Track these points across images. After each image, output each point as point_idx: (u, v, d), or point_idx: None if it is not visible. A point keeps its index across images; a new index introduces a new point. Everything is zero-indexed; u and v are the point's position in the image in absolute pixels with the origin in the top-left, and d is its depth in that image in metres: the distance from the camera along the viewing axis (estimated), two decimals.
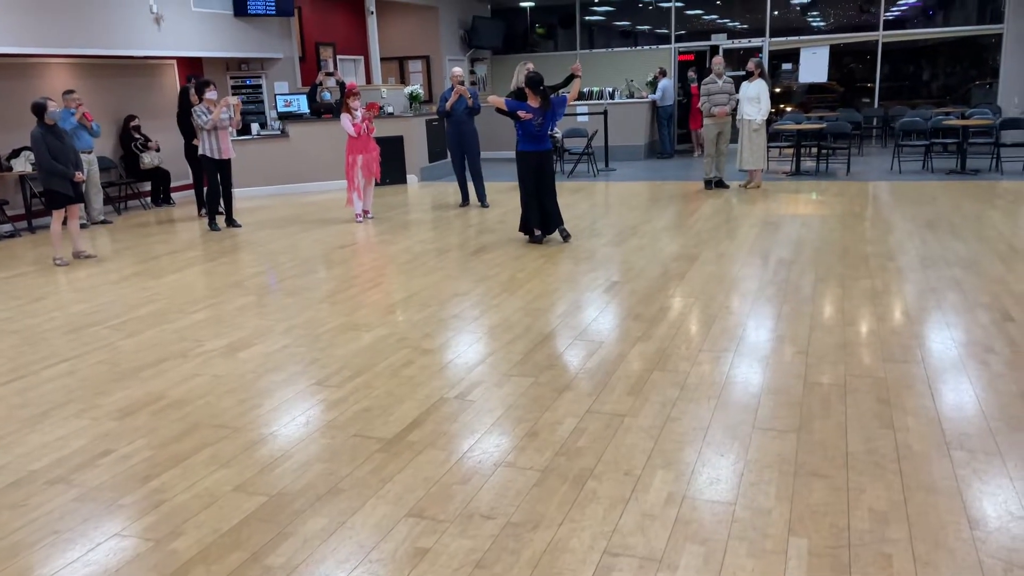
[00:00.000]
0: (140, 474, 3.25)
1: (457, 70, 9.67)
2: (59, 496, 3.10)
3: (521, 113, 7.12)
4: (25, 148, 9.51)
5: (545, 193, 7.37)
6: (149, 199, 11.24)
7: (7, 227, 9.33)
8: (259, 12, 12.03)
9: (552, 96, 7.29)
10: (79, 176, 7.35)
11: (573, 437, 3.42)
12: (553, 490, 2.98)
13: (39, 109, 7.14)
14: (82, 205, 8.14)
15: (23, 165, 9.39)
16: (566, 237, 7.49)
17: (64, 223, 7.52)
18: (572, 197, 10.27)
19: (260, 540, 2.72)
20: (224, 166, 9.00)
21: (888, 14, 15.21)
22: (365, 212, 9.37)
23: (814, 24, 16.24)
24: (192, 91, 9.40)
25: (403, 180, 12.50)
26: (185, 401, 4.02)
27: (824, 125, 11.98)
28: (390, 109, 12.72)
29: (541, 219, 7.46)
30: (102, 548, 2.72)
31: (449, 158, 10.54)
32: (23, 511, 2.99)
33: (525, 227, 7.55)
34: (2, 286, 6.74)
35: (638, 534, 2.67)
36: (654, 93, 14.55)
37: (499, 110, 7.31)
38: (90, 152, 9.47)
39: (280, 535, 2.75)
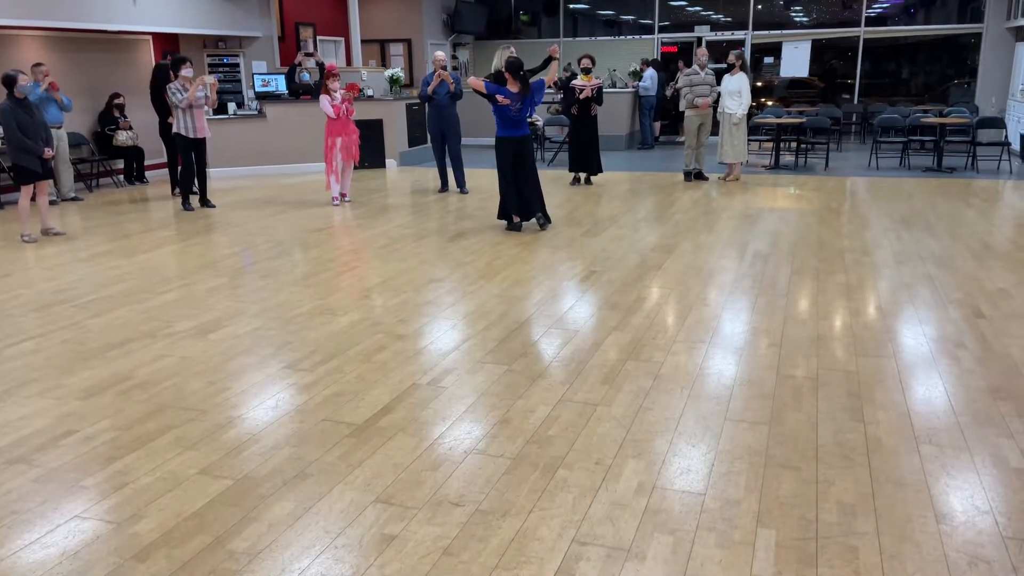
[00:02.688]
0: (103, 455, 3.18)
1: (439, 54, 9.58)
2: (19, 476, 3.03)
3: (500, 97, 7.06)
4: None
5: (525, 179, 7.33)
6: (122, 177, 11.04)
7: None
8: None
9: (531, 81, 7.24)
10: (48, 152, 7.18)
11: (545, 425, 3.40)
12: (523, 478, 2.96)
13: (9, 82, 6.96)
14: (52, 181, 7.96)
15: None
16: (543, 224, 7.45)
17: (33, 199, 7.36)
18: (551, 186, 10.23)
19: (224, 524, 2.68)
20: (199, 145, 8.85)
21: (870, 11, 15.28)
22: (343, 195, 9.28)
23: (797, 19, 16.28)
24: (168, 68, 9.23)
25: (382, 164, 12.39)
26: (152, 382, 3.95)
27: (804, 120, 12.03)
28: (370, 92, 12.59)
29: (520, 206, 7.41)
30: (61, 530, 2.66)
31: (429, 143, 10.45)
32: None
33: (504, 214, 7.51)
34: None
35: (607, 523, 2.66)
36: (640, 82, 14.43)
37: (478, 92, 7.24)
38: (60, 127, 9.26)
39: (245, 519, 2.70)
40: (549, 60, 7.82)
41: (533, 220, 7.51)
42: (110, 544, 2.58)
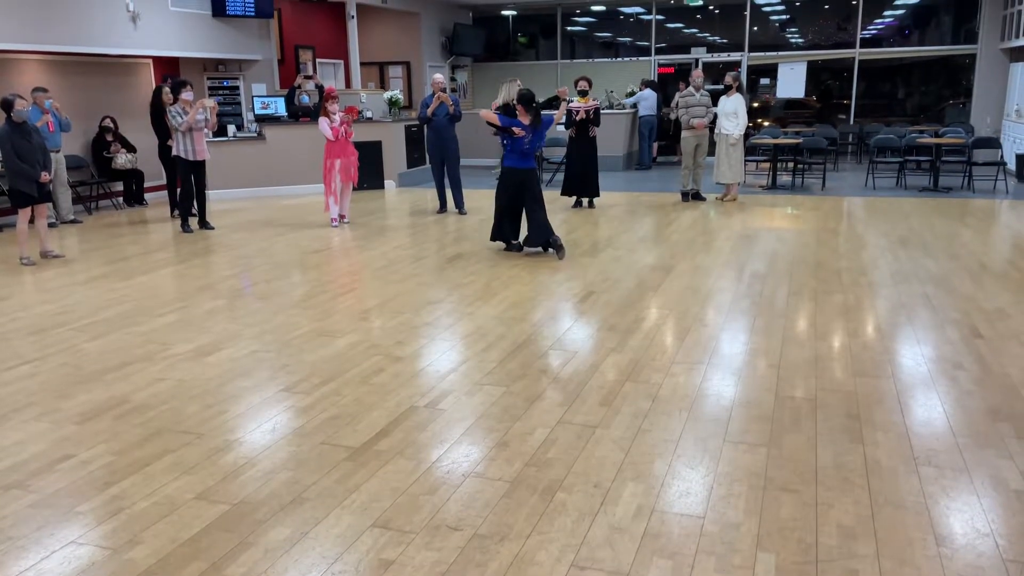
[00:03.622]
0: (100, 480, 3.17)
1: (439, 77, 9.64)
2: (14, 502, 3.01)
3: (516, 130, 7.05)
4: None
5: (533, 208, 7.21)
6: (121, 199, 11.07)
7: None
8: (238, 13, 11.93)
9: (542, 113, 7.27)
10: (45, 176, 7.19)
11: (544, 448, 3.39)
12: (522, 501, 2.95)
13: (6, 106, 6.99)
14: (51, 204, 7.98)
15: None
16: (560, 250, 7.14)
17: (32, 221, 7.37)
18: (549, 207, 10.24)
19: (221, 550, 2.66)
20: (198, 167, 8.88)
21: (865, 32, 15.42)
22: (341, 217, 9.30)
23: (792, 40, 16.42)
24: (166, 91, 9.29)
25: (381, 185, 12.43)
26: (149, 406, 3.93)
27: (800, 140, 12.09)
28: (369, 114, 12.66)
29: (514, 230, 7.44)
30: (57, 556, 2.64)
31: (428, 164, 10.49)
32: None
33: (497, 235, 7.52)
34: None
35: (606, 547, 2.65)
36: (638, 101, 14.49)
37: (492, 125, 7.19)
38: (58, 151, 9.30)
39: (241, 544, 2.69)
40: (557, 100, 7.87)
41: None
42: (106, 570, 2.56)
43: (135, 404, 3.96)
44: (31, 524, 2.85)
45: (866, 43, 15.45)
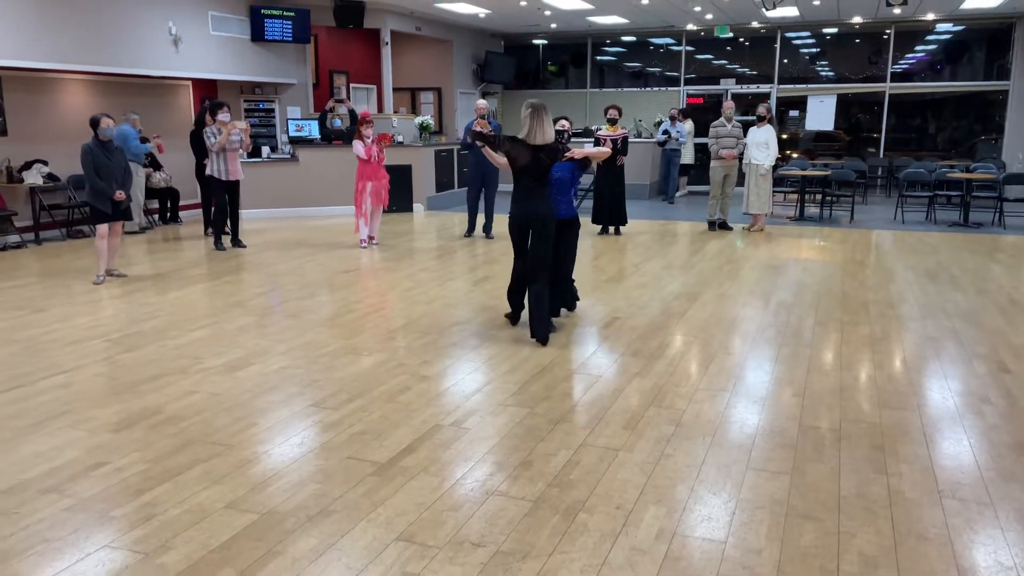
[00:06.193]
0: (133, 487, 3.25)
1: (482, 103, 9.76)
2: (51, 505, 3.10)
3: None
4: (37, 161, 9.63)
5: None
6: (156, 216, 11.32)
7: (15, 238, 9.40)
8: (276, 38, 12.25)
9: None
10: (119, 195, 7.24)
11: (566, 469, 3.42)
12: (544, 520, 2.98)
13: (93, 123, 7.15)
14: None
15: (35, 177, 9.49)
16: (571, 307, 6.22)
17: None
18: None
19: (249, 558, 2.72)
20: (232, 187, 9.08)
21: (896, 67, 15.42)
22: (371, 238, 9.44)
23: (822, 73, 16.46)
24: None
25: (409, 208, 12.60)
26: (181, 417, 4.03)
27: (829, 172, 12.09)
28: (400, 138, 12.86)
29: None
30: (91, 559, 2.72)
31: (464, 186, 10.58)
32: (14, 519, 2.99)
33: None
34: (5, 296, 6.78)
35: (627, 568, 2.67)
36: (660, 134, 14.29)
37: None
38: (143, 164, 9.99)
39: (269, 553, 2.75)
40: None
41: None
42: (138, 574, 2.63)
43: (168, 415, 4.06)
44: (67, 527, 2.94)
45: (897, 77, 15.44)
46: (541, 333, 5.30)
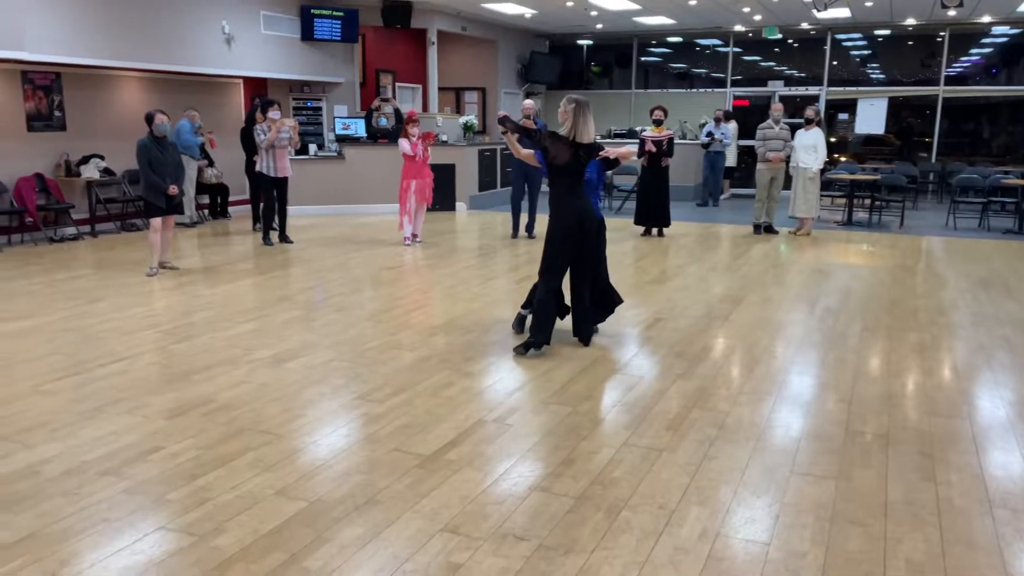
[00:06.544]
0: (187, 472, 3.35)
1: (528, 103, 9.79)
2: (109, 487, 3.21)
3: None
4: (95, 155, 9.93)
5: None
6: (207, 211, 11.58)
7: (71, 230, 9.70)
8: (325, 37, 12.44)
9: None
10: (172, 189, 7.42)
11: (609, 468, 3.44)
12: (587, 517, 3.00)
13: (148, 119, 7.36)
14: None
15: (92, 171, 9.78)
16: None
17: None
18: (619, 234, 10.33)
19: (299, 543, 2.79)
20: (280, 184, 9.25)
21: (950, 70, 15.09)
22: (414, 236, 9.54)
23: (873, 76, 16.17)
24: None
25: (452, 207, 12.69)
26: (232, 406, 4.14)
27: (879, 177, 11.87)
28: (444, 137, 12.96)
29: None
30: (148, 539, 2.82)
31: (504, 186, 10.63)
32: (75, 499, 3.11)
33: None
34: (64, 286, 7.01)
35: (670, 567, 2.68)
36: (703, 136, 13.96)
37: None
38: (196, 159, 10.33)
39: (318, 539, 2.82)
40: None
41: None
42: (192, 556, 2.72)
43: (220, 404, 4.17)
44: (125, 508, 3.04)
45: (951, 80, 15.10)
46: (584, 333, 5.31)
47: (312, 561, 2.68)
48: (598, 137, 6.11)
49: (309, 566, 2.65)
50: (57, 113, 9.68)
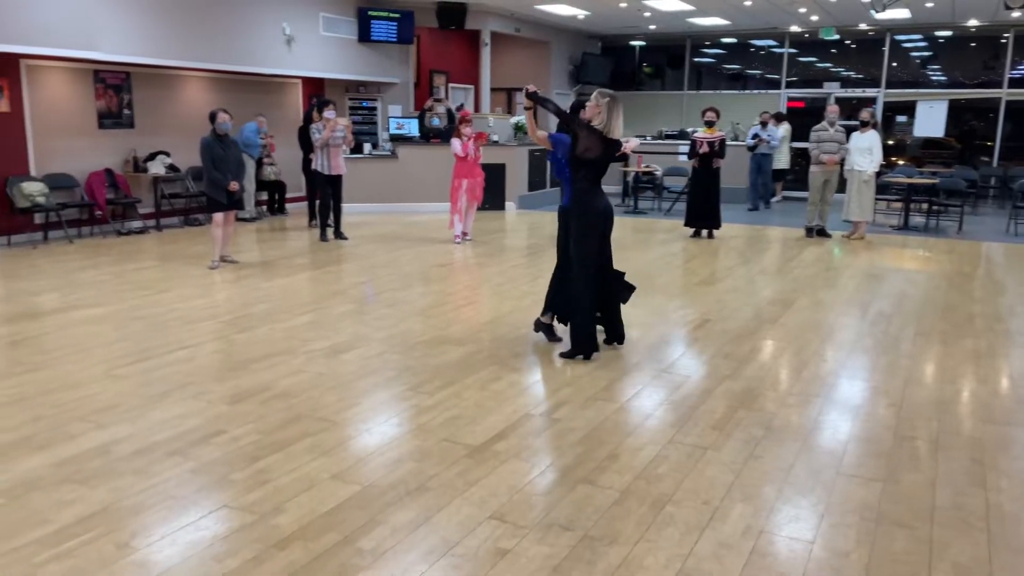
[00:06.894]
0: (248, 455, 3.51)
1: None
2: (177, 467, 3.39)
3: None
4: (161, 152, 10.30)
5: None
6: (265, 207, 11.90)
7: (138, 224, 10.08)
8: (381, 39, 12.67)
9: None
10: (233, 185, 7.66)
11: (654, 464, 3.50)
12: (631, 510, 3.07)
13: (211, 117, 7.65)
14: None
15: (158, 168, 10.15)
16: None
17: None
18: (668, 235, 10.32)
19: (353, 524, 2.92)
20: (335, 181, 9.48)
21: (1014, 72, 14.67)
22: (464, 234, 9.67)
23: (933, 77, 15.80)
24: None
25: (502, 207, 12.80)
26: (290, 394, 4.30)
27: (937, 181, 11.62)
28: (495, 137, 13.09)
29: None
30: (213, 516, 2.97)
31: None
32: (145, 476, 3.29)
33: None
34: (132, 277, 7.31)
35: (713, 561, 2.73)
36: (749, 138, 13.57)
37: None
38: (255, 158, 10.73)
39: (371, 522, 2.94)
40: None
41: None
42: (254, 533, 2.86)
43: (278, 391, 4.34)
44: (191, 486, 3.21)
45: (1015, 83, 14.68)
46: (618, 332, 5.29)
47: (366, 542, 2.80)
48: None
49: (363, 546, 2.77)
50: (126, 111, 10.07)
